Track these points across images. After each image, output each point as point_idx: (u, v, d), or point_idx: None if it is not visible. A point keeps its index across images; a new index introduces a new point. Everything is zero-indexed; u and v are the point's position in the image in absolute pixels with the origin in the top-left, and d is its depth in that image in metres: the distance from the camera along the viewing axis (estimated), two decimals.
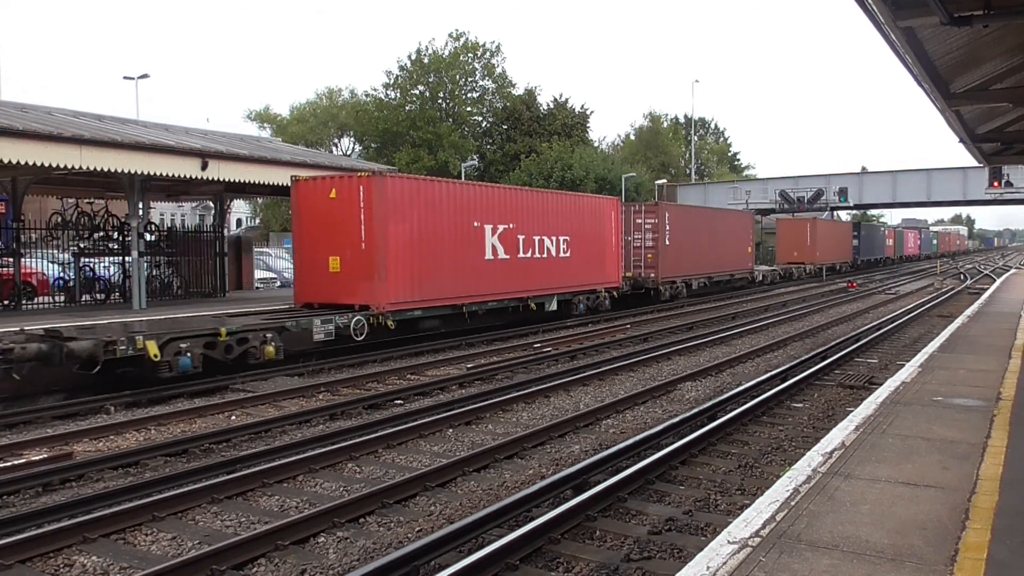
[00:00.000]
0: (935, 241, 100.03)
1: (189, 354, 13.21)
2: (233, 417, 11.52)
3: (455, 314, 18.94)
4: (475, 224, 18.98)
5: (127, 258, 19.13)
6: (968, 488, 5.79)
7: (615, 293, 25.39)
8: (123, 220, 19.08)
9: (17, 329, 12.79)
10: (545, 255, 21.70)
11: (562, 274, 22.33)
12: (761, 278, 41.47)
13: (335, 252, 16.65)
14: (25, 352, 11.83)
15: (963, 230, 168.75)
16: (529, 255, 21.01)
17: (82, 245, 19.19)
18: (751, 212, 45.47)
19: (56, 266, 21.05)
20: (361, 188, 16.35)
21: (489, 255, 19.50)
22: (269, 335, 14.64)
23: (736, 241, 36.06)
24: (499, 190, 21.27)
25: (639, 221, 28.52)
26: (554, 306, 22.27)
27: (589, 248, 23.63)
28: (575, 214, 23.19)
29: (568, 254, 22.63)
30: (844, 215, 69.96)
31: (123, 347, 12.28)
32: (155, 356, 12.59)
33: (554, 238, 22.09)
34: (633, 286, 27.77)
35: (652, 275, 28.42)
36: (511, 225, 20.25)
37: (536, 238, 21.29)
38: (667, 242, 28.84)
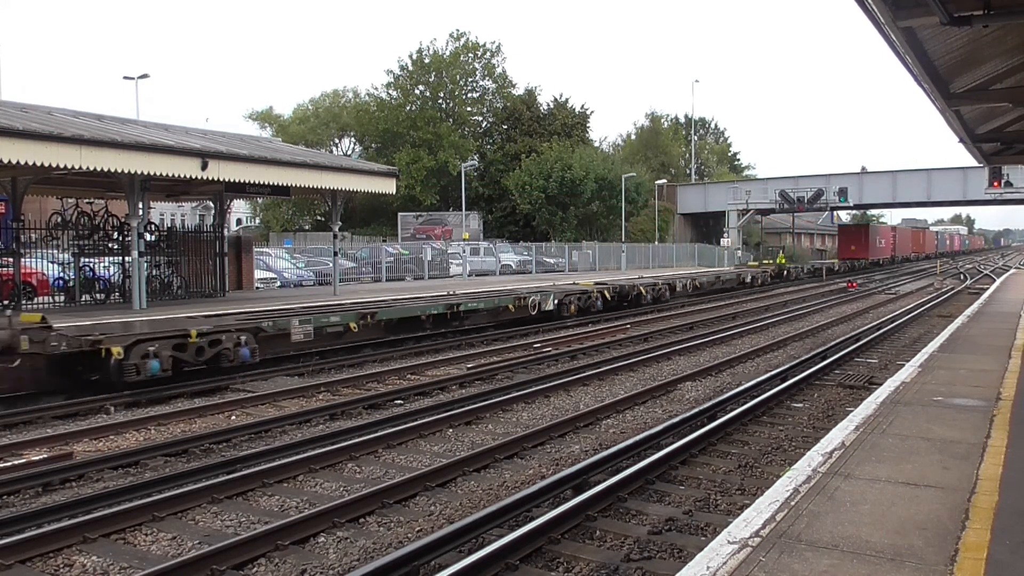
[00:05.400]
0: (967, 241, 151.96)
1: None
2: (233, 417, 11.51)
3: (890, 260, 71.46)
4: (876, 239, 64.26)
5: (127, 258, 19.11)
6: (968, 488, 5.79)
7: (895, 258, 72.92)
8: (123, 220, 19.06)
9: None
10: (884, 245, 68.09)
11: (890, 251, 71.09)
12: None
13: (855, 244, 61.11)
14: None
15: (963, 230, 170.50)
16: (884, 245, 68.09)
17: (82, 244, 19.17)
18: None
19: (56, 266, 21.01)
20: (864, 229, 64.55)
21: (882, 244, 67.08)
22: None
23: (918, 241, 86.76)
24: (883, 227, 74.08)
25: (882, 235, 67.81)
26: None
27: (900, 243, 75.61)
28: (898, 233, 75.86)
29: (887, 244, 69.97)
30: (844, 215, 79.23)
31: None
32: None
33: (886, 240, 68.73)
34: (876, 263, 65.68)
35: (890, 255, 70.86)
36: (883, 239, 67.07)
37: (882, 239, 67.26)
38: (893, 241, 71.76)
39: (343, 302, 19.37)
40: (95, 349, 12.38)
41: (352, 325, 17.11)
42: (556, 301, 23.37)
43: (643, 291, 28.54)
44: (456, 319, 20.89)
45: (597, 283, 27.26)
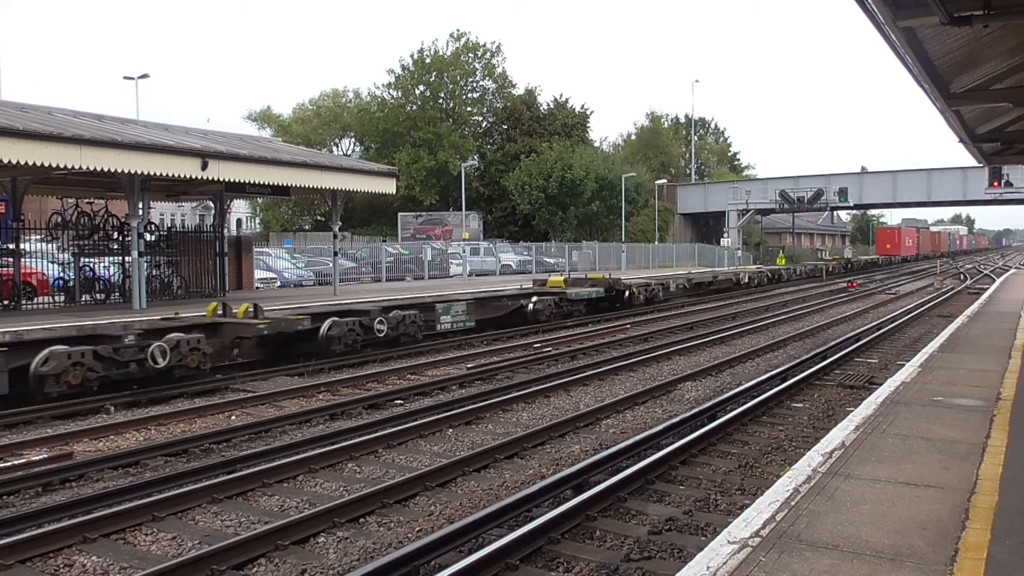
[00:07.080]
0: (973, 241, 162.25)
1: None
2: (233, 417, 11.51)
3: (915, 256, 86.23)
4: (905, 239, 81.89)
5: (127, 258, 19.10)
6: (968, 488, 5.79)
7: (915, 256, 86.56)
8: (123, 220, 19.05)
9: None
10: (911, 244, 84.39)
11: (915, 249, 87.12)
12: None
13: (890, 243, 79.64)
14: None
15: (963, 230, 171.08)
16: (911, 244, 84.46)
17: (82, 244, 19.16)
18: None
19: (56, 266, 21.00)
20: (897, 231, 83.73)
21: (909, 244, 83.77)
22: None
23: (934, 241, 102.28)
24: (910, 229, 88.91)
25: (909, 235, 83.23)
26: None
27: (922, 243, 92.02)
28: (920, 235, 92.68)
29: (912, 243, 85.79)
30: (843, 215, 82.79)
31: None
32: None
33: (912, 240, 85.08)
34: (904, 259, 79.86)
35: (915, 253, 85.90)
36: (910, 239, 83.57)
37: (910, 239, 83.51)
38: (917, 241, 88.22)
39: (680, 273, 36.21)
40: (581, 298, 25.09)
41: (685, 284, 33.01)
42: (747, 277, 38.93)
43: (784, 274, 45.59)
44: (713, 284, 36.71)
45: (759, 268, 44.63)
